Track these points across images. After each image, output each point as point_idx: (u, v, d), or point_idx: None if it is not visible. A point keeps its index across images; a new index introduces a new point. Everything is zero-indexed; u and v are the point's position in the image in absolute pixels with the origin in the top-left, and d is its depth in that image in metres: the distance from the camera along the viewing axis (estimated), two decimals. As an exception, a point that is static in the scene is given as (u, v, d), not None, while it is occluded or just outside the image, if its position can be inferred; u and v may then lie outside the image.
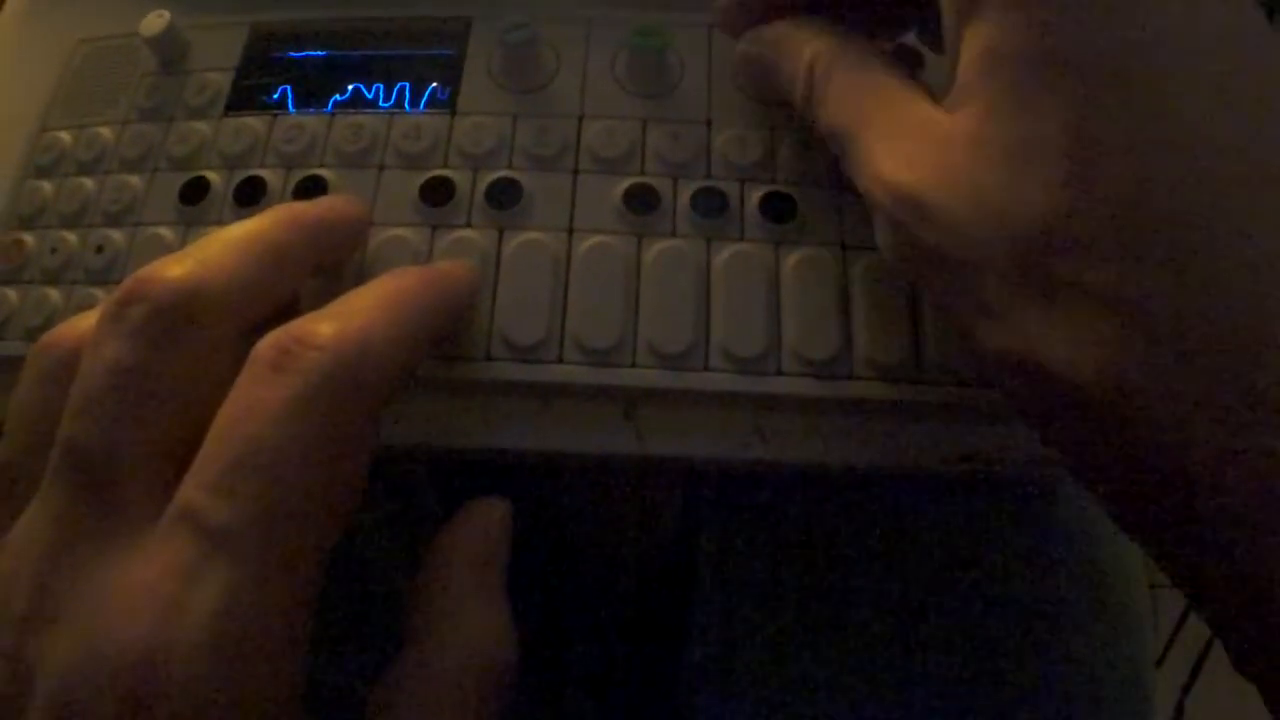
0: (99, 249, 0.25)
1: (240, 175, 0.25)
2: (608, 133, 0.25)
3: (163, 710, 0.14)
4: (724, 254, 0.23)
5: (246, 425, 0.16)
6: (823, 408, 0.23)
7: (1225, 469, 0.15)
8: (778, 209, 0.24)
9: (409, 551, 0.29)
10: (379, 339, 0.17)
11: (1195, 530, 0.15)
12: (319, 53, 0.27)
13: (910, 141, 0.19)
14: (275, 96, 0.26)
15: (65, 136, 0.27)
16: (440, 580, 0.18)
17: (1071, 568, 0.28)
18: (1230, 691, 0.16)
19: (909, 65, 0.22)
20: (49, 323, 0.24)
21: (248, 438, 0.15)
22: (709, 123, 0.25)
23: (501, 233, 0.24)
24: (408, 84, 0.26)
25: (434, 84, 0.26)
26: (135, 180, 0.26)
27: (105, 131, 0.27)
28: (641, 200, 0.24)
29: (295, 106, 0.26)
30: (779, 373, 0.22)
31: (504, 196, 0.24)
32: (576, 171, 0.25)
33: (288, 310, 0.19)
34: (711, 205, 0.24)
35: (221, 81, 0.27)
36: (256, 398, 0.16)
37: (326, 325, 0.17)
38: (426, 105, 0.26)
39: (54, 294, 0.25)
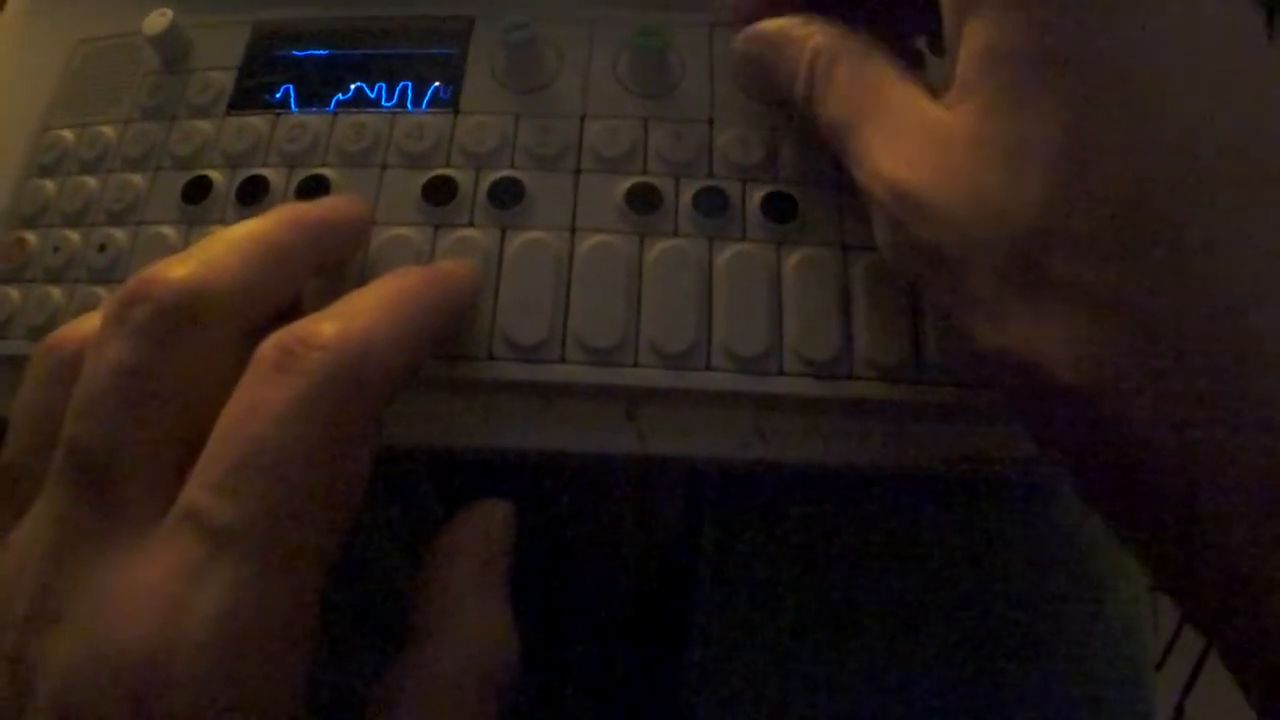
0: (101, 248, 0.25)
1: (243, 174, 0.25)
2: (610, 132, 0.25)
3: (165, 710, 0.14)
4: (725, 254, 0.23)
5: (250, 425, 0.16)
6: (823, 408, 0.23)
7: (1225, 469, 0.15)
8: (779, 209, 0.24)
9: (410, 551, 0.29)
10: (381, 339, 0.17)
11: (1194, 530, 0.15)
12: (321, 52, 0.27)
13: (909, 139, 0.19)
14: (278, 95, 0.26)
15: (68, 135, 0.27)
16: (441, 580, 0.18)
17: (1071, 568, 0.28)
18: (1231, 693, 0.16)
19: (909, 64, 0.22)
20: (51, 321, 0.24)
21: (251, 438, 0.15)
22: (711, 122, 0.25)
23: (504, 232, 0.24)
24: (410, 83, 0.26)
25: (436, 83, 0.26)
26: (138, 179, 0.26)
27: (108, 130, 0.27)
28: (643, 200, 0.24)
29: (298, 105, 0.26)
30: (780, 372, 0.22)
31: (506, 196, 0.24)
32: (579, 171, 0.25)
33: (290, 310, 0.19)
34: (713, 205, 0.24)
35: (224, 80, 0.27)
36: (260, 398, 0.16)
37: (329, 325, 0.17)
38: (429, 104, 0.26)
39: (56, 293, 0.25)
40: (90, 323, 0.18)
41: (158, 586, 0.15)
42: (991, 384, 0.19)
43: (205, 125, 0.26)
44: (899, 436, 0.23)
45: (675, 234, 0.24)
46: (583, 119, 0.25)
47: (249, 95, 0.27)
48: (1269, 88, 0.16)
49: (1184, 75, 0.16)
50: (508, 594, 0.19)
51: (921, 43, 0.24)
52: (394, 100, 0.26)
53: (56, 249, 0.25)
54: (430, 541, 0.19)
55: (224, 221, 0.25)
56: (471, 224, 0.24)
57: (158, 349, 0.17)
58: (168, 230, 0.25)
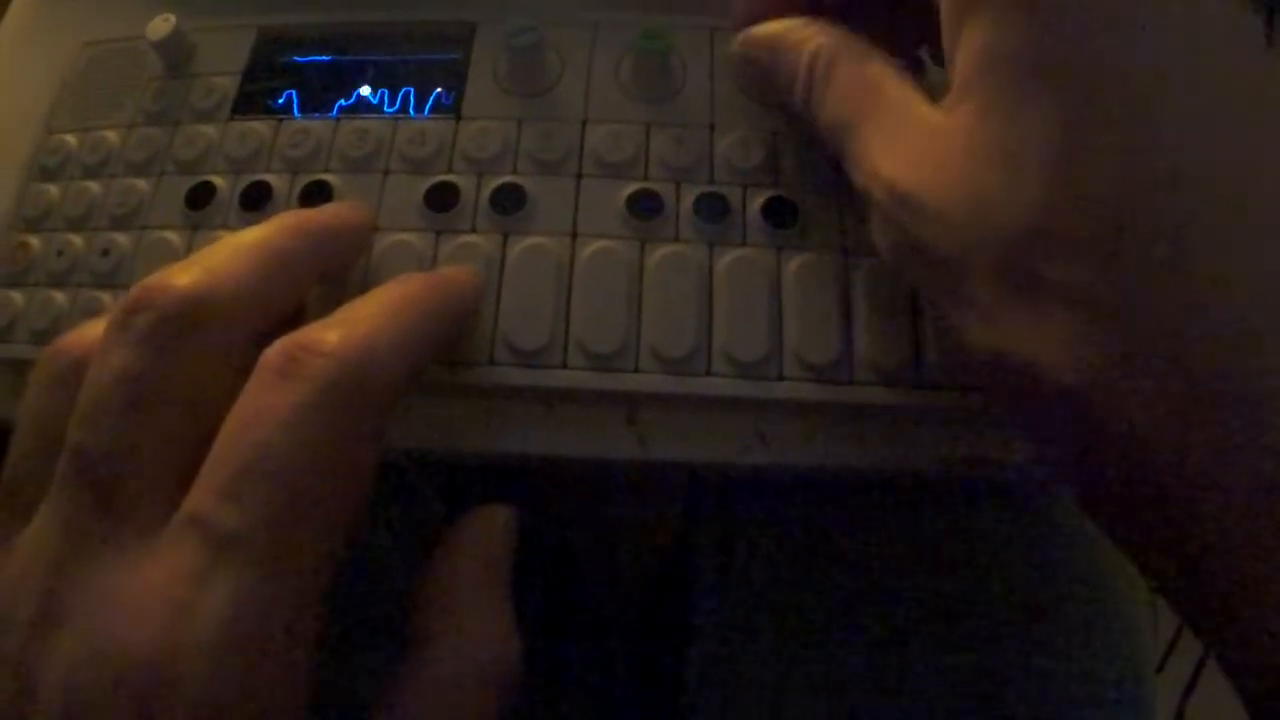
0: (105, 252, 0.25)
1: (246, 180, 0.25)
2: (612, 137, 0.25)
3: (168, 713, 0.14)
4: (726, 259, 0.23)
5: (254, 431, 0.16)
6: (824, 412, 0.23)
7: (1223, 469, 0.15)
8: (780, 214, 0.24)
9: (412, 555, 0.29)
10: (384, 346, 0.17)
11: (1192, 531, 0.15)
12: (324, 57, 0.27)
13: (908, 139, 0.19)
14: (281, 101, 0.26)
15: (71, 139, 0.27)
16: (444, 584, 0.19)
17: (1071, 569, 0.28)
18: (1232, 697, 0.16)
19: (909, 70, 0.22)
20: (55, 325, 0.24)
21: (255, 444, 0.16)
22: (712, 127, 0.25)
23: (505, 238, 0.24)
24: (412, 89, 0.26)
25: (439, 89, 0.26)
26: (141, 184, 0.26)
27: (111, 135, 0.27)
28: (645, 205, 0.24)
29: (301, 111, 0.26)
30: (780, 377, 0.22)
31: (508, 201, 0.24)
32: (580, 176, 0.25)
33: (294, 317, 0.19)
34: (714, 210, 0.24)
35: (227, 85, 0.27)
36: (264, 404, 0.16)
37: (333, 333, 0.17)
38: (431, 110, 0.26)
39: (59, 297, 0.25)
40: (94, 329, 0.18)
41: (162, 591, 0.15)
42: (987, 386, 0.19)
43: (208, 130, 0.26)
44: (899, 440, 0.23)
45: (676, 239, 0.24)
46: (585, 124, 0.25)
47: (252, 100, 0.27)
48: (1268, 90, 0.16)
49: (1183, 78, 0.16)
50: (509, 596, 0.19)
51: (923, 51, 0.24)
52: (396, 106, 0.26)
53: (60, 253, 0.25)
54: (433, 545, 0.19)
55: (227, 227, 0.25)
56: (473, 230, 0.24)
57: (162, 356, 0.17)
58: (171, 235, 0.25)
